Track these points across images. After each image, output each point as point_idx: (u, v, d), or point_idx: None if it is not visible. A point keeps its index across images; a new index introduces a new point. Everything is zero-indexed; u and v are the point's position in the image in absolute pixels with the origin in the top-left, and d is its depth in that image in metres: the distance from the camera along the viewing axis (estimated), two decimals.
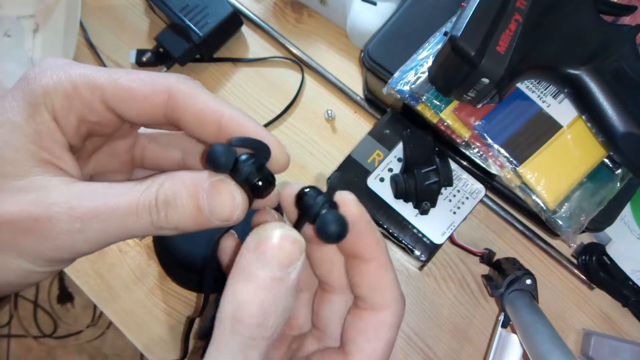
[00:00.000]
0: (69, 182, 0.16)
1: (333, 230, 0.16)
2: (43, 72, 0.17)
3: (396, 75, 0.36)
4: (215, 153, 0.16)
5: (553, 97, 0.35)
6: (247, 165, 0.17)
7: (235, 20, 0.47)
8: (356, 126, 0.47)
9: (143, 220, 0.16)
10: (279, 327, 0.15)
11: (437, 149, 0.37)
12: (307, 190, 0.17)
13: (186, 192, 0.16)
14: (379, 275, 0.18)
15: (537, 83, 0.35)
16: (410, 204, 0.37)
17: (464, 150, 0.35)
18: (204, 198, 0.16)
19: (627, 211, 0.40)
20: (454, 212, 0.37)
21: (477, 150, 0.35)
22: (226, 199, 0.16)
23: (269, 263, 0.15)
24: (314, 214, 0.17)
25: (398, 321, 0.18)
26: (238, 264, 0.15)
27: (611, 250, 0.40)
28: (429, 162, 0.35)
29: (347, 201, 0.18)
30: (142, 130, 0.22)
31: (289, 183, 0.19)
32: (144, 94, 0.18)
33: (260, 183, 0.17)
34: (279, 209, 0.21)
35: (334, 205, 0.17)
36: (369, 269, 0.18)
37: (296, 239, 0.15)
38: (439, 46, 0.36)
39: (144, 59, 0.47)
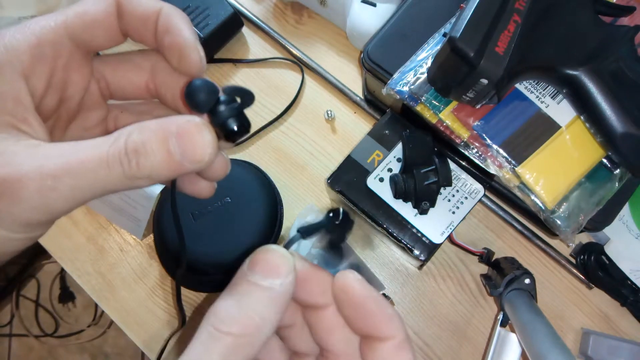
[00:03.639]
0: (34, 144, 0.16)
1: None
2: (1, 34, 0.17)
3: (395, 76, 0.36)
4: (195, 89, 0.16)
5: (551, 97, 0.35)
6: (228, 109, 0.17)
7: (235, 21, 0.47)
8: (356, 126, 0.47)
9: (115, 171, 0.15)
10: (254, 334, 0.15)
11: (436, 149, 0.37)
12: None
13: (155, 138, 0.16)
14: (395, 356, 0.17)
15: (536, 83, 0.35)
16: (409, 204, 0.37)
17: (463, 151, 0.35)
18: (173, 142, 0.16)
19: (625, 211, 0.41)
20: (453, 212, 0.37)
21: (476, 150, 0.35)
22: (196, 140, 0.16)
23: (254, 271, 0.16)
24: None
25: None
26: (234, 277, 0.16)
27: (610, 249, 0.40)
28: (428, 162, 0.36)
29: (349, 283, 0.17)
30: (111, 101, 0.22)
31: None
32: (102, 10, 0.18)
33: (236, 128, 0.17)
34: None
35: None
36: (384, 348, 0.17)
37: (283, 255, 0.16)
38: (438, 47, 0.36)
39: None
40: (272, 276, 0.16)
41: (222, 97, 0.17)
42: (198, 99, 0.16)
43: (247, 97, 0.18)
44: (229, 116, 0.17)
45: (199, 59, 0.18)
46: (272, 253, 0.16)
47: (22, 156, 0.15)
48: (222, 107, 0.17)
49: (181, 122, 0.16)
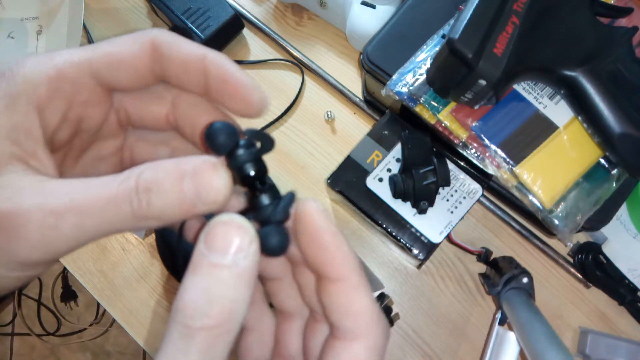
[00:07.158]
0: (41, 180, 0.15)
1: (271, 245, 0.15)
2: (23, 63, 0.16)
3: (395, 77, 0.37)
4: (215, 132, 0.16)
5: (549, 98, 0.35)
6: (246, 153, 0.16)
7: (236, 23, 0.47)
8: (355, 127, 0.48)
9: (123, 210, 0.14)
10: (229, 321, 0.14)
11: (434, 149, 0.37)
12: (262, 197, 0.17)
13: (169, 178, 0.15)
14: (350, 298, 0.16)
15: (534, 84, 0.35)
16: (408, 204, 0.37)
17: (461, 151, 0.36)
18: (188, 181, 0.15)
19: (623, 211, 0.41)
20: (452, 212, 0.37)
21: (474, 150, 0.35)
22: (212, 180, 0.15)
23: (213, 250, 0.14)
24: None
25: (376, 353, 0.16)
26: (191, 258, 0.15)
27: (607, 249, 0.41)
28: (426, 162, 0.36)
29: (309, 211, 0.16)
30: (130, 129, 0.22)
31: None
32: (131, 53, 0.17)
33: (252, 173, 0.16)
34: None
35: (285, 211, 0.17)
36: (337, 290, 0.16)
37: (241, 225, 0.14)
38: (437, 48, 0.36)
39: None
40: (233, 251, 0.14)
41: (241, 141, 0.17)
42: (218, 141, 0.16)
43: (267, 143, 0.17)
44: (247, 161, 0.16)
45: (263, 98, 0.18)
46: (227, 225, 0.14)
47: (26, 192, 0.14)
48: (240, 151, 0.16)
49: (197, 162, 0.15)
